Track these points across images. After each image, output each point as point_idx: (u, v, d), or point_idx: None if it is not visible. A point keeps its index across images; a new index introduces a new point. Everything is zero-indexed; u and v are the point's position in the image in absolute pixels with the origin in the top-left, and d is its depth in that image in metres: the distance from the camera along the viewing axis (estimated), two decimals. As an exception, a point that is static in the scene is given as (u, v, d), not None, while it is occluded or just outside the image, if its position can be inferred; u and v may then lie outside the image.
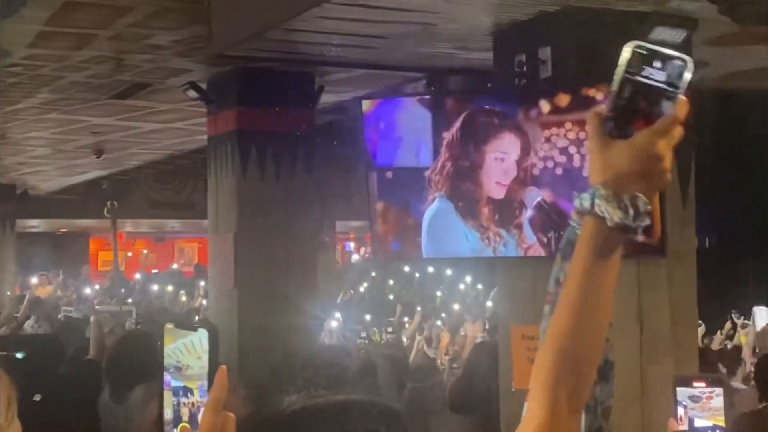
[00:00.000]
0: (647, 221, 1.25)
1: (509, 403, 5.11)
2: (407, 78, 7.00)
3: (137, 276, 16.85)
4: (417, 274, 15.92)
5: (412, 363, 7.41)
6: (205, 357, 1.20)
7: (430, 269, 15.70)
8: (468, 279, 14.40)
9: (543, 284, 1.36)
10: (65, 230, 20.68)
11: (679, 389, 2.06)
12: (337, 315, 9.73)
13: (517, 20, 5.19)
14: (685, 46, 5.07)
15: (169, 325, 1.23)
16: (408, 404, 5.68)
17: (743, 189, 15.99)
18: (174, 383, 1.22)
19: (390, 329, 9.17)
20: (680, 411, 2.05)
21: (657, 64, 1.22)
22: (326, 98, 7.52)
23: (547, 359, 1.27)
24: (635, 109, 1.23)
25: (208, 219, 7.58)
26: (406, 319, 10.49)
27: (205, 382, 1.20)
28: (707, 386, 2.05)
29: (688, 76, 1.23)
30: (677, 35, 4.95)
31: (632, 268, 4.93)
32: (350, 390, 5.57)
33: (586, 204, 1.26)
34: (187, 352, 1.21)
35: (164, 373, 1.22)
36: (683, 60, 1.23)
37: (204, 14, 6.07)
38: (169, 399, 1.22)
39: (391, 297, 14.26)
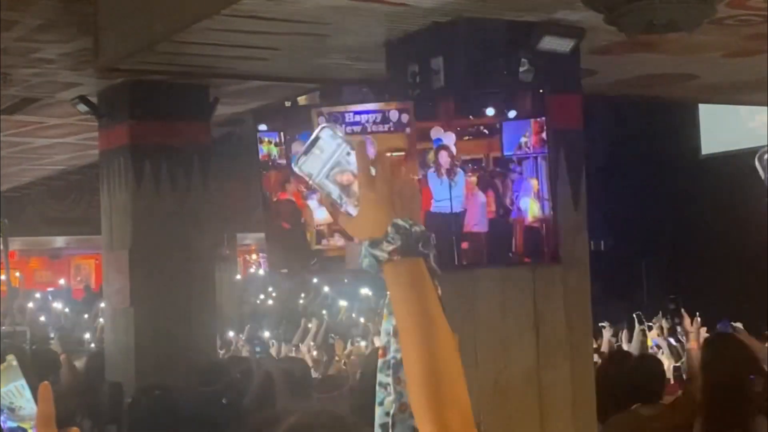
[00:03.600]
0: (419, 229, 1.36)
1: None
2: (302, 89, 6.98)
3: (37, 295, 16.44)
4: (326, 288, 15.87)
5: (318, 374, 7.39)
6: (32, 400, 1.21)
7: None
8: (368, 291, 14.42)
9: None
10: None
11: None
12: (234, 330, 9.63)
13: (410, 31, 5.21)
14: (573, 55, 5.17)
15: (11, 360, 1.22)
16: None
17: (636, 192, 16.42)
18: (9, 424, 1.21)
19: (291, 344, 9.10)
20: None
21: (317, 152, 1.36)
22: (222, 110, 7.44)
23: (416, 392, 1.34)
24: (347, 183, 1.37)
25: (102, 236, 7.41)
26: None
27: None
28: None
29: (336, 132, 1.37)
30: (565, 44, 5.04)
31: (527, 274, 5.00)
32: (248, 404, 5.52)
33: (366, 261, 1.37)
34: (18, 394, 1.21)
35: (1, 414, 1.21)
36: (322, 130, 1.36)
37: (91, 27, 5.94)
38: None
39: (298, 309, 14.19)
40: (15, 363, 1.22)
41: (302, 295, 15.73)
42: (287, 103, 7.20)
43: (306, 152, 1.36)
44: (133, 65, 6.19)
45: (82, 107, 7.24)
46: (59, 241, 18.68)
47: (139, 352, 6.86)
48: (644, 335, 8.78)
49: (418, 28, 5.14)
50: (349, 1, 4.63)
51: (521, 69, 4.96)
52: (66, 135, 9.18)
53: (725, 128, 12.73)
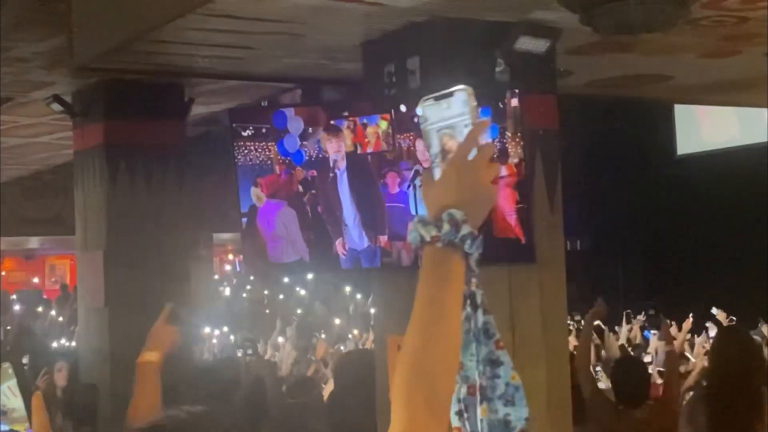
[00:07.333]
0: (467, 230, 1.35)
1: (387, 414, 5.09)
2: (278, 89, 6.95)
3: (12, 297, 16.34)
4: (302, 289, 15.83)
5: (289, 378, 7.36)
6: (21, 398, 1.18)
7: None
8: (348, 289, 14.42)
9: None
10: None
11: None
12: (220, 329, 9.58)
13: (386, 31, 5.20)
14: (549, 55, 5.18)
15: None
16: (287, 419, 5.62)
17: (612, 191, 16.49)
18: (2, 427, 1.19)
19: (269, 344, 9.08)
20: None
21: (444, 104, 1.38)
22: (197, 110, 7.40)
23: (402, 374, 1.36)
24: (449, 149, 1.38)
25: (76, 236, 7.36)
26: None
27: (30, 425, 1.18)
28: None
29: (470, 100, 1.38)
30: (541, 45, 5.05)
31: (503, 274, 4.99)
32: (239, 405, 5.48)
33: (412, 235, 1.37)
34: (12, 395, 1.18)
35: None
36: (460, 90, 1.38)
37: (65, 25, 5.89)
38: None
39: (267, 311, 14.15)
40: (5, 366, 1.21)
41: (281, 296, 15.70)
42: (264, 103, 7.17)
43: (436, 99, 1.39)
44: (107, 64, 6.14)
45: (56, 106, 7.19)
46: (33, 241, 18.54)
47: (114, 353, 6.80)
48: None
49: (394, 27, 5.13)
50: (325, 0, 4.61)
51: (497, 69, 4.96)
52: (40, 134, 9.10)
53: (701, 128, 12.80)
